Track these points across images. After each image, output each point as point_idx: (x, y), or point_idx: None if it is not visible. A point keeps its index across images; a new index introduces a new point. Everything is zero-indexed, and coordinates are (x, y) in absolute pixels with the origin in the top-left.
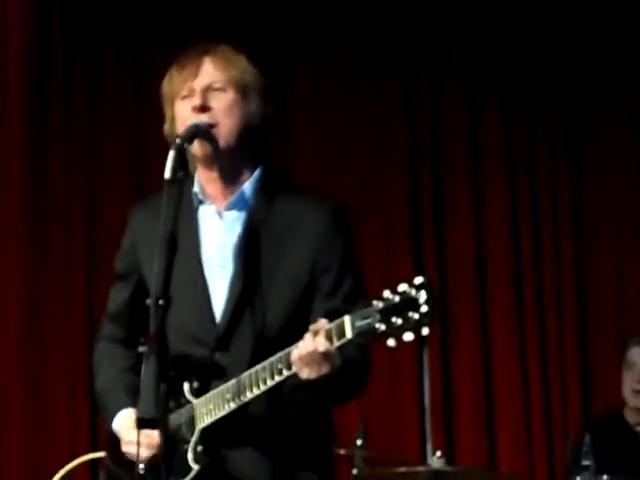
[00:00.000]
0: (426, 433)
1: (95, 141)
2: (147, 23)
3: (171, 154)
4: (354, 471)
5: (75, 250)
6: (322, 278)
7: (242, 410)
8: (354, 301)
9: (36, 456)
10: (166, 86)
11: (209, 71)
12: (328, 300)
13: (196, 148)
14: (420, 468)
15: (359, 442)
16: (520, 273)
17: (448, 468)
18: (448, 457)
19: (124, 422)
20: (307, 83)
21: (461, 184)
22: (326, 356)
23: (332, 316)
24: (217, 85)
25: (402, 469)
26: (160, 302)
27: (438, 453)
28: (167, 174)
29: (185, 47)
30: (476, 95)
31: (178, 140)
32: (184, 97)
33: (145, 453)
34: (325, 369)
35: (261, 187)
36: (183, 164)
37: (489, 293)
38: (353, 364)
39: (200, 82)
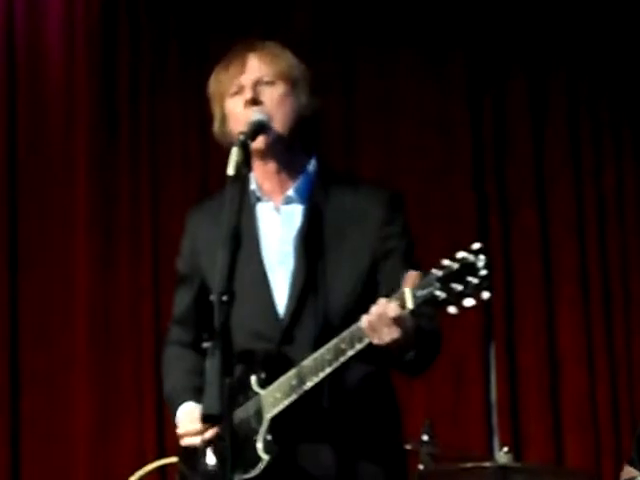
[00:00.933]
0: (493, 428)
1: (161, 148)
2: (214, 22)
3: (234, 150)
4: (420, 467)
5: (142, 257)
6: (384, 261)
7: (310, 400)
8: None
9: (103, 461)
10: (213, 85)
11: (256, 66)
12: (392, 281)
13: (258, 141)
14: (487, 464)
15: (425, 438)
16: (586, 267)
17: (515, 464)
18: (515, 453)
19: (184, 416)
20: (370, 79)
21: (526, 182)
22: (396, 321)
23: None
24: (266, 79)
25: (468, 465)
26: (224, 298)
27: (505, 449)
28: (230, 170)
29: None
30: (540, 91)
31: (241, 136)
32: (234, 94)
33: (207, 446)
34: (396, 334)
35: (317, 179)
36: (246, 160)
37: (555, 289)
38: (424, 332)
39: (248, 77)
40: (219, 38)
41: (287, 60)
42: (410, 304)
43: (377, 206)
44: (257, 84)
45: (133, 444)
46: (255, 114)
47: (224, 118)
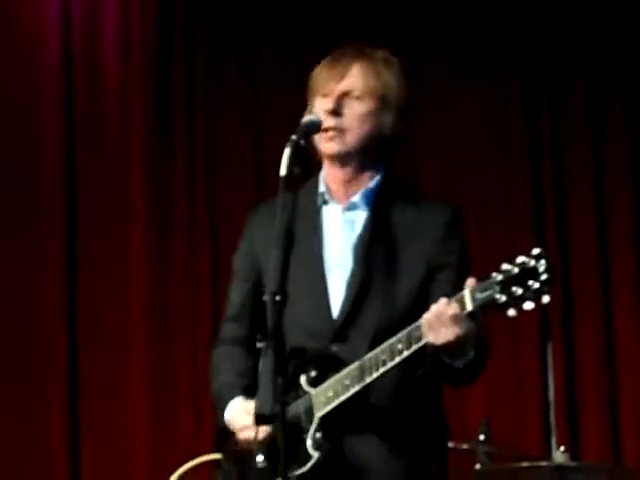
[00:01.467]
0: (550, 428)
1: (217, 142)
2: (267, 31)
3: (286, 151)
4: (477, 466)
5: (199, 256)
6: (439, 273)
7: (360, 397)
8: None
9: (159, 452)
10: (313, 77)
11: (353, 78)
12: (447, 289)
13: (322, 147)
14: (543, 463)
15: (482, 437)
16: None
17: (572, 463)
18: (572, 452)
19: (236, 410)
20: (426, 80)
21: (583, 184)
22: (454, 319)
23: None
24: (355, 93)
25: (525, 464)
26: (277, 298)
27: (562, 448)
28: (282, 170)
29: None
30: (598, 92)
31: (293, 137)
32: (324, 95)
33: (259, 443)
34: (452, 334)
35: (383, 190)
36: (299, 160)
37: (613, 286)
38: (479, 340)
39: (342, 85)
40: (271, 45)
41: (385, 80)
42: (470, 306)
43: (438, 221)
44: (345, 95)
45: (189, 435)
46: (309, 116)
47: (311, 112)
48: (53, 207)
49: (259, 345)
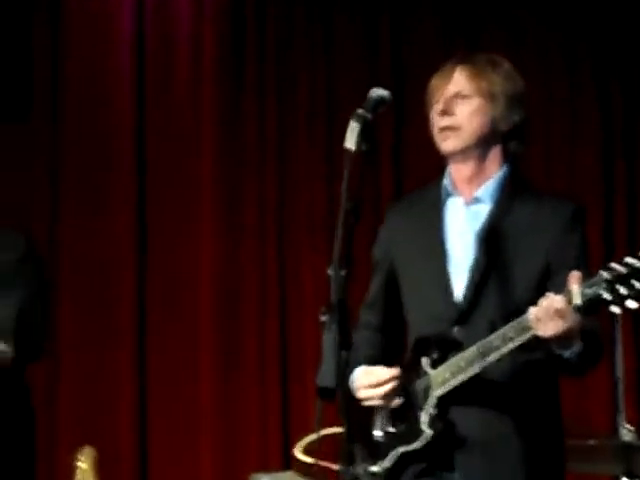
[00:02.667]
0: (618, 405)
1: (287, 119)
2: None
3: (352, 124)
4: None
5: (267, 226)
6: (557, 273)
7: (476, 378)
8: None
9: (227, 435)
10: (428, 89)
11: (458, 80)
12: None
13: (441, 147)
14: (610, 441)
15: None
16: None
17: (639, 442)
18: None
19: (360, 375)
20: None
21: None
22: (561, 313)
23: None
24: (464, 93)
25: (591, 442)
26: (342, 273)
27: (629, 426)
28: (347, 143)
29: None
30: None
31: (360, 110)
32: (436, 102)
33: (379, 392)
34: (560, 327)
35: (505, 185)
36: (367, 135)
37: None
38: (587, 333)
39: (450, 89)
40: (344, 20)
41: (490, 78)
42: (578, 300)
43: (559, 217)
44: (454, 97)
45: (257, 418)
46: (377, 90)
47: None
48: (125, 175)
49: (322, 318)
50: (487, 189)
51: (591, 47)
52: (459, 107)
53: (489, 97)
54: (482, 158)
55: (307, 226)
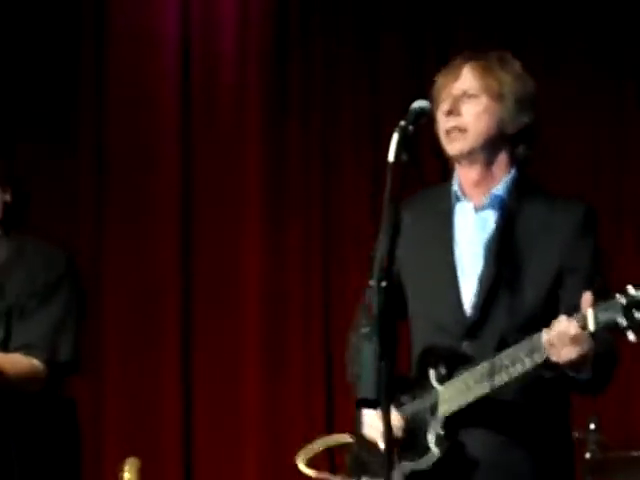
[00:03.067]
0: None
1: (332, 109)
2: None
3: (394, 137)
4: (587, 455)
5: (312, 231)
6: (570, 275)
7: (484, 396)
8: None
9: (272, 435)
10: (433, 89)
11: (466, 77)
12: (574, 297)
13: (447, 149)
14: None
15: (592, 426)
16: None
17: None
18: None
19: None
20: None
21: None
22: (576, 339)
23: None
24: (471, 92)
25: (635, 453)
26: (382, 284)
27: None
28: (390, 157)
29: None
30: None
31: (402, 122)
32: (442, 100)
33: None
34: (574, 354)
35: (514, 189)
36: (408, 147)
37: None
38: (601, 357)
39: (457, 87)
40: (391, 28)
41: (499, 76)
42: (592, 326)
43: (570, 220)
44: (462, 96)
45: (302, 417)
46: (418, 101)
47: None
48: (170, 179)
49: (363, 331)
50: (495, 195)
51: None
52: (466, 107)
53: (497, 97)
54: (490, 161)
55: (352, 240)
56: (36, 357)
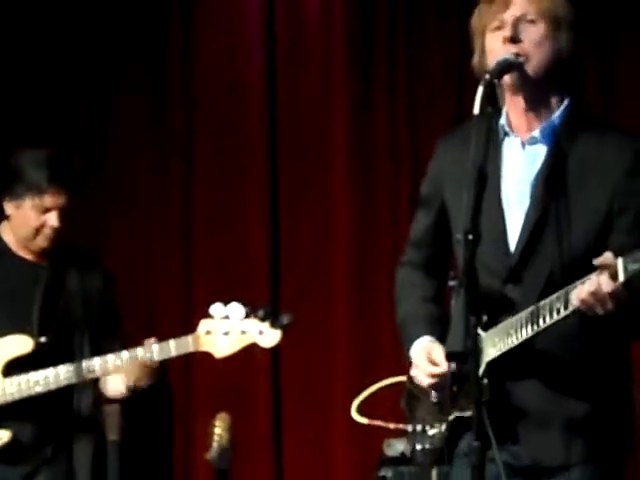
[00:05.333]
0: None
1: (418, 89)
2: None
3: (480, 89)
4: None
5: (400, 187)
6: (620, 217)
7: (528, 343)
8: None
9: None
10: (475, 18)
11: (520, 3)
12: (624, 238)
13: (507, 79)
14: None
15: None
16: None
17: None
18: None
19: (419, 351)
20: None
21: None
22: (609, 297)
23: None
24: (529, 17)
25: None
26: (469, 237)
27: None
28: (476, 109)
29: None
30: None
31: (487, 75)
32: (495, 29)
33: (430, 381)
34: (609, 307)
35: (567, 121)
36: (492, 99)
37: None
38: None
39: (511, 13)
40: None
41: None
42: (621, 276)
43: (622, 156)
44: (519, 21)
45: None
46: (504, 53)
47: (483, 52)
48: (258, 150)
49: (451, 283)
50: (546, 127)
51: None
52: (526, 33)
53: (555, 22)
54: (544, 92)
55: None
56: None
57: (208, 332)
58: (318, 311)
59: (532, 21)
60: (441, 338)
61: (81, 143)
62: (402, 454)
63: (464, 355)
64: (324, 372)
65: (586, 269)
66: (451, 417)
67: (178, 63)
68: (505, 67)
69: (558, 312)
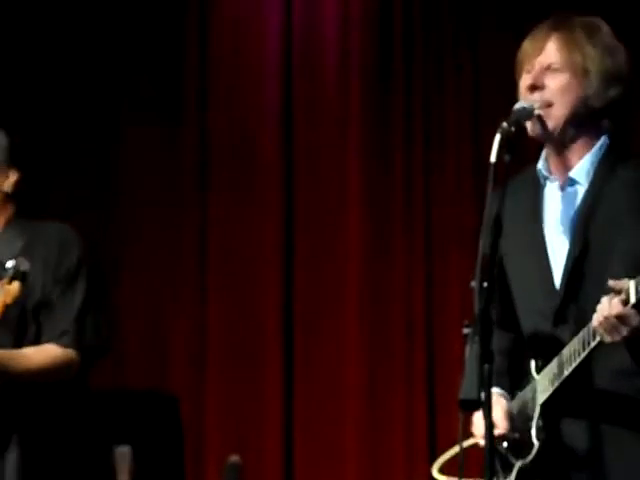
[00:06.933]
0: None
1: (434, 95)
2: None
3: (497, 137)
4: None
5: (415, 234)
6: None
7: (579, 381)
8: None
9: (372, 428)
10: (519, 54)
11: (551, 51)
12: None
13: (529, 127)
14: None
15: None
16: None
17: None
18: None
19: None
20: None
21: None
22: (621, 319)
23: None
24: (555, 66)
25: None
26: (484, 284)
27: None
28: (492, 157)
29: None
30: None
31: (504, 124)
32: (527, 71)
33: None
34: (625, 332)
35: (605, 158)
36: (510, 147)
37: None
38: None
39: (540, 60)
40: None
41: (584, 48)
42: (633, 298)
43: None
44: (546, 69)
45: (403, 437)
46: (524, 101)
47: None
48: (272, 170)
49: (465, 331)
50: (582, 168)
51: None
52: (550, 81)
53: (582, 73)
54: (575, 136)
55: (456, 241)
56: (67, 345)
57: None
58: (331, 355)
59: (557, 70)
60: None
61: (93, 174)
62: None
63: (477, 403)
64: (336, 418)
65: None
66: (516, 466)
67: (192, 97)
68: (522, 116)
69: (589, 344)
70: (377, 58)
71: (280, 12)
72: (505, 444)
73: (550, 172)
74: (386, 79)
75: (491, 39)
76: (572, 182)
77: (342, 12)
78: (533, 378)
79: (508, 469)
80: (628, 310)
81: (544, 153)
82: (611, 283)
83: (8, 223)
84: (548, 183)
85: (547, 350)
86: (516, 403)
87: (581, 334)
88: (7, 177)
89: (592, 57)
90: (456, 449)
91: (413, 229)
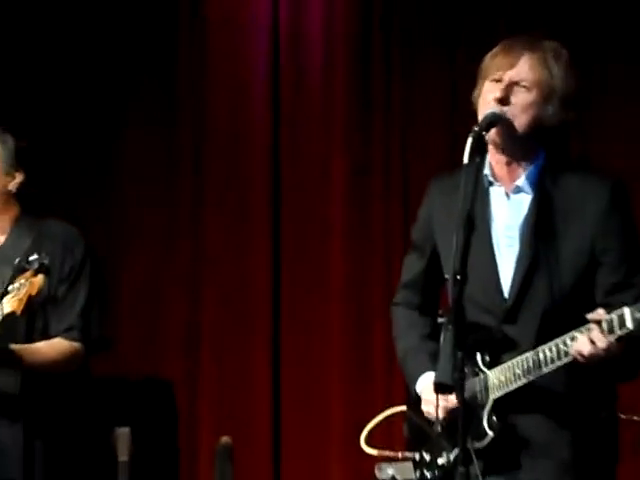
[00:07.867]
0: None
1: (412, 109)
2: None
3: (469, 140)
4: None
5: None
6: (603, 256)
7: (534, 383)
8: (635, 277)
9: (356, 411)
10: (486, 60)
11: (523, 68)
12: (610, 277)
13: (494, 133)
14: None
15: None
16: None
17: None
18: None
19: (427, 385)
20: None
21: None
22: (605, 351)
23: (617, 289)
24: (524, 84)
25: None
26: (457, 277)
27: None
28: (465, 159)
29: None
30: None
31: (476, 127)
32: (494, 80)
33: (442, 414)
34: (603, 357)
35: (545, 170)
36: (480, 149)
37: None
38: (636, 346)
39: (511, 75)
40: (470, 25)
41: (552, 70)
42: (630, 325)
43: (598, 197)
44: (514, 85)
45: (383, 394)
46: (492, 108)
47: (479, 93)
48: (260, 178)
49: (440, 320)
50: (527, 176)
51: None
52: (516, 97)
53: (547, 93)
54: (524, 149)
55: None
56: (74, 339)
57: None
58: (316, 345)
59: (526, 87)
60: None
61: (90, 176)
62: (392, 478)
63: (451, 387)
64: (322, 402)
65: (576, 306)
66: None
67: (187, 108)
68: (493, 120)
69: (566, 355)
70: (359, 57)
71: (267, 14)
72: (439, 428)
73: (495, 178)
74: (367, 77)
75: (471, 43)
76: (518, 190)
77: (327, 13)
78: (482, 371)
79: (446, 446)
80: (613, 341)
81: (489, 160)
82: (589, 316)
83: (16, 221)
84: (492, 188)
85: (493, 346)
86: (466, 389)
87: (552, 344)
88: (14, 178)
89: (558, 79)
90: (378, 419)
91: (392, 227)
